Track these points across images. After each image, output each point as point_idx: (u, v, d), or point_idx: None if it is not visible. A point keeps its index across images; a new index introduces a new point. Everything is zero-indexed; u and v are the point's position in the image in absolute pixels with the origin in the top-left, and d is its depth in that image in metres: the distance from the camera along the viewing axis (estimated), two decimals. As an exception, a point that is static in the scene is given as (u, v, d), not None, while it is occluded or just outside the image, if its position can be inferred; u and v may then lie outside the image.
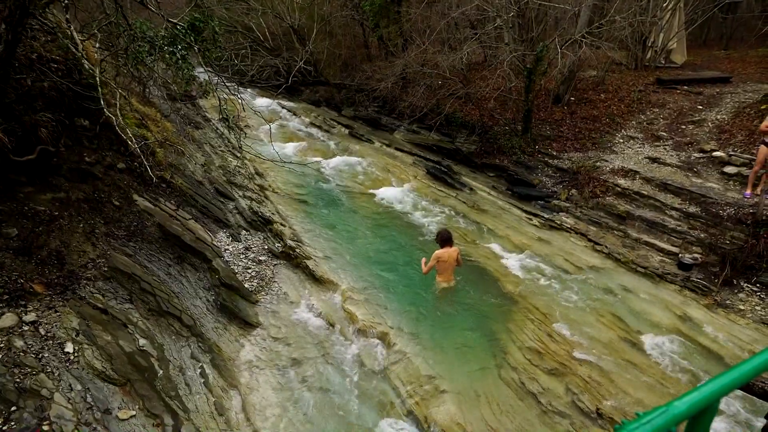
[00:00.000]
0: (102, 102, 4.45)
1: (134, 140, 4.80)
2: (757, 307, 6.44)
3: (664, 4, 13.79)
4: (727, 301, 6.65)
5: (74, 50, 4.77)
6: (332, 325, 6.19)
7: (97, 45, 5.78)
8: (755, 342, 5.95)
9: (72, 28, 4.62)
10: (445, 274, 6.85)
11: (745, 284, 6.76)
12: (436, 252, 6.68)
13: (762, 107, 9.83)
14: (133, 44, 5.07)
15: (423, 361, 5.64)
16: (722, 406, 5.04)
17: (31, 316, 4.43)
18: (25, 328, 4.34)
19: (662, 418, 1.07)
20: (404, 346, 5.86)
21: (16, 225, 4.83)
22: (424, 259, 6.87)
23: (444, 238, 6.70)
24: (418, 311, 6.55)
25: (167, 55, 5.08)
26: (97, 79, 4.54)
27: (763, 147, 7.46)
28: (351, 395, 5.25)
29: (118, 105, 4.84)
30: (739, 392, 4.41)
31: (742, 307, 6.50)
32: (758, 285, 6.67)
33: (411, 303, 6.70)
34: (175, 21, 5.28)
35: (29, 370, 4.04)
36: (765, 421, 1.84)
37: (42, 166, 5.24)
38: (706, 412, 1.26)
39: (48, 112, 5.26)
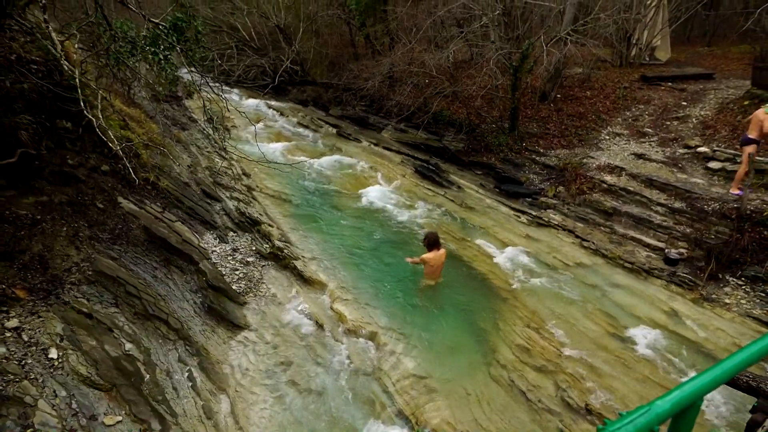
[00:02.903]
0: (82, 104, 4.36)
1: (117, 142, 4.72)
2: (743, 301, 6.52)
3: (648, 2, 13.91)
4: (713, 295, 6.73)
5: (53, 51, 4.68)
6: (321, 326, 6.15)
7: (77, 45, 5.68)
8: (741, 335, 6.03)
9: (50, 28, 4.53)
10: (433, 275, 6.86)
11: (731, 278, 6.85)
12: (425, 255, 6.67)
13: (745, 103, 9.96)
14: (114, 44, 4.98)
15: (413, 361, 5.63)
16: (706, 400, 5.10)
17: (13, 322, 4.34)
18: (8, 334, 4.24)
19: (645, 417, 1.07)
20: (394, 345, 5.85)
21: (-3, 230, 4.73)
22: (408, 259, 6.92)
23: (431, 241, 6.68)
24: (407, 310, 6.54)
25: (149, 56, 5.00)
26: (77, 80, 4.45)
27: (746, 147, 7.44)
28: (341, 396, 5.22)
29: (99, 106, 4.75)
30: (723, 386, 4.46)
31: (727, 301, 6.59)
32: (743, 279, 6.76)
33: (400, 302, 6.69)
34: (157, 21, 5.21)
35: (12, 377, 3.95)
36: (750, 415, 1.86)
37: (23, 170, 5.14)
38: (689, 409, 1.26)
39: (28, 114, 5.16)
